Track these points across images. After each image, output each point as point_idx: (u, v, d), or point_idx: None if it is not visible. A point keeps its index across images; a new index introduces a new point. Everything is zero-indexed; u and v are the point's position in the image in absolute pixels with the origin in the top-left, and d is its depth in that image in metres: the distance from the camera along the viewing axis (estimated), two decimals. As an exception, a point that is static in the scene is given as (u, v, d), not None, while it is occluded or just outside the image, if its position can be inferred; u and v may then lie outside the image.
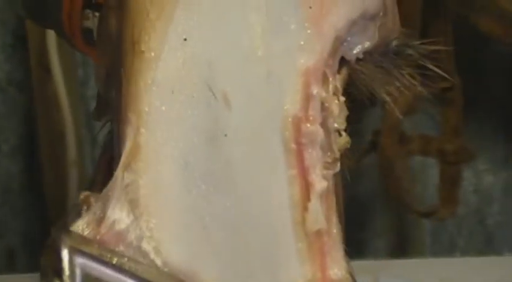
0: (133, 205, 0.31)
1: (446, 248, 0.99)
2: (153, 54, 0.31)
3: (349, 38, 0.34)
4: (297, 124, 0.33)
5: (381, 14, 0.35)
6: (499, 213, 0.99)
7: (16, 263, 0.96)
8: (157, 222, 0.31)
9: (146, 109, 0.31)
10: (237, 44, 0.32)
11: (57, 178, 0.93)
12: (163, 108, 0.31)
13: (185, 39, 0.32)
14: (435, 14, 0.79)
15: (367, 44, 0.34)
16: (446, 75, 0.83)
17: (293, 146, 0.32)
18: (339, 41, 0.33)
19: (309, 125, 0.32)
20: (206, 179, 0.31)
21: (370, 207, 0.95)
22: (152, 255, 0.31)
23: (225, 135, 0.31)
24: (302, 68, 0.32)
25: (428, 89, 0.82)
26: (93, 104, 0.92)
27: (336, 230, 0.34)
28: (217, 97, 0.31)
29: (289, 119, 0.32)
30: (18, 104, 0.94)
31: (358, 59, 0.35)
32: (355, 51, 0.34)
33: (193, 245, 0.31)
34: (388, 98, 0.37)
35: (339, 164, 0.34)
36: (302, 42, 0.32)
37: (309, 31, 0.32)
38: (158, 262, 0.31)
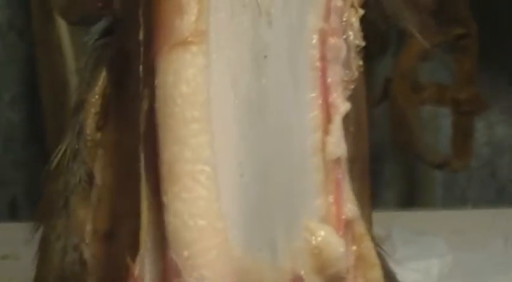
0: None
1: (457, 200, 0.98)
2: None
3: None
4: (323, 38, 0.30)
5: None
6: (510, 165, 0.98)
7: (18, 213, 0.95)
8: None
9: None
10: None
11: (60, 128, 0.91)
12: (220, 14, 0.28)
13: None
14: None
15: None
16: (461, 22, 0.82)
17: (318, 64, 0.30)
18: None
19: (333, 38, 0.30)
20: (247, 103, 0.29)
21: (380, 157, 0.93)
22: None
23: (265, 56, 0.29)
24: None
25: (443, 35, 0.80)
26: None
27: (346, 161, 0.31)
28: (261, 12, 0.28)
29: (314, 34, 0.30)
30: (19, 50, 0.92)
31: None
32: None
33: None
34: (409, 26, 0.35)
35: (353, 85, 0.31)
36: None
37: None
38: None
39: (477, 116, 0.88)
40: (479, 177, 0.98)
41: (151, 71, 0.29)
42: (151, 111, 0.29)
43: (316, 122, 0.29)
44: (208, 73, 0.28)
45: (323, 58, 0.30)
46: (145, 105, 0.30)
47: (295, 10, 0.29)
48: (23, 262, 0.76)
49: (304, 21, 0.29)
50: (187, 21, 0.28)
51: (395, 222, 0.77)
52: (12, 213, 0.94)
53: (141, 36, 0.30)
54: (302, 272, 0.29)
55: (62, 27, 0.88)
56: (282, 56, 0.29)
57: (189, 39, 0.28)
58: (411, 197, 0.97)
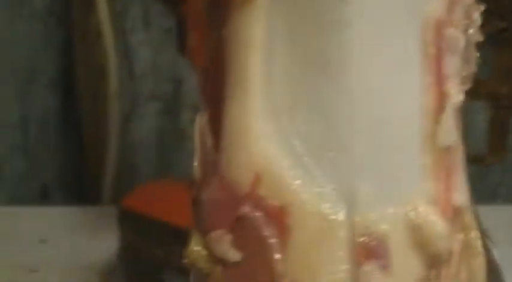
0: None
1: (487, 196, 0.97)
2: None
3: None
4: (440, 27, 0.30)
5: None
6: (543, 162, 0.98)
7: (51, 197, 0.95)
8: None
9: None
10: None
11: (97, 112, 0.92)
12: None
13: None
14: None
15: None
16: (502, 15, 0.81)
17: (432, 50, 0.30)
18: None
19: (452, 29, 0.30)
20: (316, 65, 0.29)
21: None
22: None
23: (347, 25, 0.29)
24: None
25: (483, 28, 0.80)
26: (131, 37, 0.91)
27: (462, 150, 0.32)
28: None
29: (432, 21, 0.30)
30: (57, 36, 0.92)
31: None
32: None
33: None
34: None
35: (471, 81, 0.32)
36: None
37: None
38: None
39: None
40: (511, 173, 0.97)
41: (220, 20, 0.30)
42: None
43: (427, 108, 0.30)
44: None
45: (438, 47, 0.30)
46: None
47: None
48: (60, 246, 0.77)
49: (421, 4, 0.29)
50: None
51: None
52: (45, 199, 0.95)
53: None
54: (388, 238, 0.29)
55: (103, 13, 0.88)
56: (379, 29, 0.29)
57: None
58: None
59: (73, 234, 0.80)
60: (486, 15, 0.85)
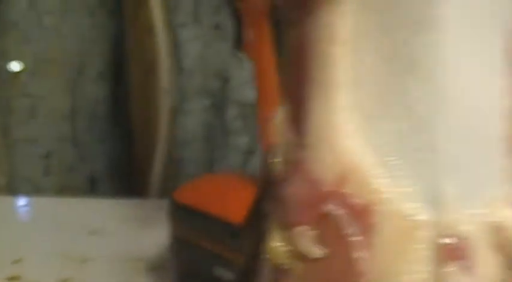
0: None
1: None
2: None
3: None
4: None
5: None
6: None
7: (98, 188, 0.96)
8: None
9: None
10: None
11: (147, 106, 0.92)
12: None
13: None
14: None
15: None
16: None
17: None
18: None
19: None
20: (404, 63, 0.29)
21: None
22: None
23: (435, 26, 0.29)
24: None
25: None
26: (181, 32, 0.91)
27: None
28: None
29: None
30: (107, 29, 0.93)
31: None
32: None
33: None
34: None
35: None
36: None
37: None
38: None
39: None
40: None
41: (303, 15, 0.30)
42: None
43: (508, 111, 0.30)
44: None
45: None
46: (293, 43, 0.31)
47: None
48: (110, 238, 0.78)
49: (507, 11, 0.30)
50: None
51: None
52: (92, 189, 0.96)
53: None
54: (471, 240, 0.29)
55: (156, 8, 0.88)
56: (468, 29, 0.29)
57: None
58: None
59: (122, 227, 0.80)
60: None
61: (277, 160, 0.31)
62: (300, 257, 0.31)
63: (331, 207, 0.30)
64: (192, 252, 0.65)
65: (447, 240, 0.29)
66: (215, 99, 0.93)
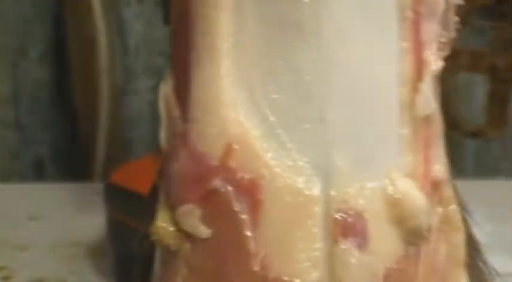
0: None
1: (489, 170, 0.96)
2: None
3: None
4: None
5: None
6: (545, 136, 0.96)
7: (44, 174, 0.94)
8: None
9: None
10: None
11: (88, 87, 0.90)
12: None
13: None
14: None
15: None
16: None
17: (410, 14, 0.28)
18: None
19: None
20: (290, 28, 0.27)
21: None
22: None
23: None
24: None
25: (480, 0, 0.79)
26: (124, 11, 0.89)
27: (440, 121, 0.30)
28: None
29: None
30: (47, 9, 0.91)
31: None
32: None
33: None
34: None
35: (450, 48, 0.30)
36: None
37: None
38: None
39: (513, 85, 0.86)
40: (512, 148, 0.97)
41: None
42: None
43: (405, 77, 0.28)
44: None
45: (416, 11, 0.28)
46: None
47: None
48: (50, 223, 0.76)
49: None
50: None
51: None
52: (38, 174, 0.94)
53: None
54: (366, 214, 0.27)
55: (91, -15, 0.86)
56: None
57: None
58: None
59: (63, 212, 0.79)
60: (484, -13, 0.83)
61: (163, 135, 0.30)
62: (187, 237, 0.29)
63: (217, 184, 0.28)
64: (126, 233, 0.64)
65: (340, 216, 0.28)
66: (161, 78, 0.91)
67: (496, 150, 0.96)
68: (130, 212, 0.64)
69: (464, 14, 0.80)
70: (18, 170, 0.94)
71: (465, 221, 0.32)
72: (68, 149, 0.94)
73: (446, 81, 0.89)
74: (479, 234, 0.70)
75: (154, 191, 0.33)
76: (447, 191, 0.30)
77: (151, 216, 0.63)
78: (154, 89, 0.97)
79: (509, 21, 0.83)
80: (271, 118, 0.28)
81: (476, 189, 0.82)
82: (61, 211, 0.79)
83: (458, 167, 1.02)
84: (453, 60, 0.92)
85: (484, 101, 0.87)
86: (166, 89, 0.30)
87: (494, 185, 0.87)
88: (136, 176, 0.66)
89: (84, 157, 0.91)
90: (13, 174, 0.94)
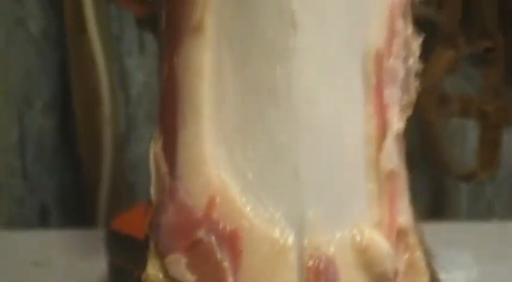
0: None
1: (483, 212, 0.98)
2: None
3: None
4: (380, 59, 0.31)
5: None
6: (537, 179, 0.98)
7: (48, 219, 0.96)
8: None
9: None
10: None
11: (92, 136, 0.93)
12: (225, 4, 0.30)
13: None
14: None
15: None
16: (489, 35, 0.82)
17: (373, 80, 0.31)
18: None
19: (391, 61, 0.31)
20: (264, 94, 0.30)
21: (407, 168, 0.94)
22: None
23: (291, 56, 0.30)
24: (388, 1, 0.31)
25: (470, 48, 0.81)
26: (127, 61, 0.92)
27: (404, 176, 0.33)
28: (283, 12, 0.29)
29: (372, 53, 0.31)
30: (52, 60, 0.94)
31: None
32: None
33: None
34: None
35: (411, 109, 0.33)
36: None
37: None
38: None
39: (505, 128, 0.88)
40: (506, 190, 0.98)
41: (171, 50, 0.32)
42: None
43: (370, 136, 0.31)
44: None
45: (379, 77, 0.31)
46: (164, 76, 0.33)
47: (351, 23, 0.30)
48: (54, 269, 0.78)
49: (358, 36, 0.31)
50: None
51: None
52: (43, 220, 0.96)
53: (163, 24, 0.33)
54: (337, 261, 0.30)
55: (95, 39, 0.89)
56: (321, 59, 0.30)
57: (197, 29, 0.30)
58: (437, 209, 0.98)
59: (66, 258, 0.81)
60: (473, 36, 0.86)
61: (153, 189, 0.32)
62: (175, 284, 0.32)
63: (201, 234, 0.31)
64: (127, 279, 0.65)
65: (313, 263, 0.30)
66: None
67: (490, 193, 0.98)
68: (130, 258, 0.66)
69: (455, 62, 0.83)
70: (23, 216, 0.95)
71: (430, 267, 0.34)
72: (72, 196, 0.96)
73: (437, 126, 0.91)
74: (470, 275, 0.72)
75: (147, 240, 0.36)
76: (412, 239, 0.33)
77: (144, 262, 0.66)
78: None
79: (496, 68, 0.86)
80: (250, 175, 0.31)
81: (470, 231, 0.84)
82: (65, 257, 0.80)
83: (452, 209, 1.04)
84: (445, 106, 0.95)
85: (476, 145, 0.89)
86: (155, 148, 0.33)
87: (488, 227, 0.88)
88: (135, 222, 0.68)
89: (88, 204, 0.93)
90: (18, 220, 0.96)
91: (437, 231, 0.81)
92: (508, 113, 0.86)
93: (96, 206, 0.92)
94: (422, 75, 0.83)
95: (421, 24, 0.37)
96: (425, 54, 0.81)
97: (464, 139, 0.97)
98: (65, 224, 0.95)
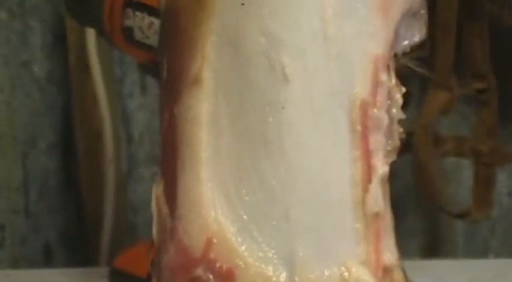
0: None
1: (479, 250, 0.99)
2: (215, 6, 0.33)
3: (400, 32, 0.35)
4: (365, 108, 0.34)
5: (423, 11, 0.36)
6: (532, 216, 0.99)
7: (53, 259, 0.97)
8: None
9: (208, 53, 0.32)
10: (303, 20, 0.33)
11: (94, 175, 0.94)
12: (222, 59, 0.32)
13: (243, 4, 0.33)
14: (471, 15, 0.79)
15: (416, 38, 0.35)
16: (481, 76, 0.84)
17: (359, 128, 0.33)
18: (395, 34, 0.34)
19: (376, 110, 0.34)
20: (257, 141, 0.32)
21: (402, 207, 0.95)
22: None
23: (283, 107, 0.32)
24: (372, 54, 0.33)
25: (463, 88, 0.83)
26: (129, 102, 0.94)
27: (390, 216, 0.35)
28: (274, 67, 0.32)
29: (358, 102, 0.33)
30: (56, 102, 0.95)
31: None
32: (405, 43, 0.35)
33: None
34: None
35: (396, 154, 0.35)
36: (371, 30, 0.33)
37: (377, 19, 0.33)
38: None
39: (498, 168, 0.89)
40: (501, 228, 0.99)
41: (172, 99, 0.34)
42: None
43: (356, 179, 0.33)
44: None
45: (364, 125, 0.33)
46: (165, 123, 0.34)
47: (338, 76, 0.33)
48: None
49: (344, 87, 0.33)
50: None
51: (417, 272, 0.78)
52: (47, 259, 0.97)
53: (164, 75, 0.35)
54: None
55: (98, 80, 0.91)
56: (310, 110, 0.33)
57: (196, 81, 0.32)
58: (433, 247, 0.99)
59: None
60: (466, 78, 0.88)
61: (155, 229, 0.34)
62: (176, 320, 0.34)
63: (199, 272, 0.33)
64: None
65: (304, 299, 0.32)
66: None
67: (485, 230, 0.99)
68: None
69: (449, 103, 0.84)
70: (27, 255, 0.96)
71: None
72: (75, 235, 0.97)
73: (432, 166, 0.93)
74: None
75: (149, 278, 0.38)
76: (397, 275, 0.35)
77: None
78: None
79: (489, 108, 0.87)
80: (245, 217, 0.33)
81: (467, 268, 0.85)
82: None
83: (449, 247, 1.05)
84: (439, 146, 0.96)
85: (470, 183, 0.90)
86: (157, 190, 0.35)
87: (484, 264, 0.89)
88: (137, 260, 0.69)
89: (90, 242, 0.95)
90: (22, 260, 0.97)
91: (434, 268, 0.83)
92: (501, 153, 0.88)
93: (98, 245, 0.93)
94: (416, 116, 0.85)
95: (414, 66, 0.39)
96: (420, 96, 0.82)
97: (459, 178, 0.98)
98: (67, 263, 0.96)
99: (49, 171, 0.97)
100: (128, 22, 0.64)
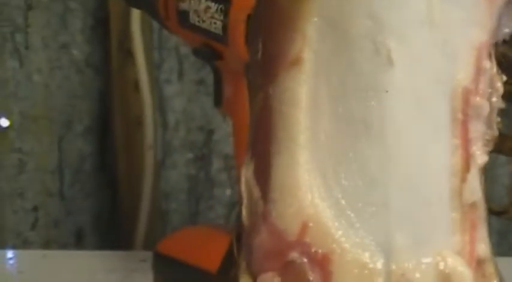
0: None
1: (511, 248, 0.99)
2: None
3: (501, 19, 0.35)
4: (467, 96, 0.34)
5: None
6: None
7: (84, 242, 0.97)
8: None
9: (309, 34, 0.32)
10: (411, 5, 0.33)
11: (132, 161, 0.94)
12: (323, 41, 0.32)
13: None
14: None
15: None
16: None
17: (460, 116, 0.33)
18: (498, 21, 0.34)
19: (478, 98, 0.33)
20: (358, 125, 0.32)
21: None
22: None
23: (386, 91, 0.32)
24: (477, 41, 0.33)
25: (506, 84, 0.82)
26: (166, 88, 0.93)
27: (484, 207, 0.35)
28: (379, 50, 0.32)
29: (460, 90, 0.33)
30: (94, 86, 0.95)
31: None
32: (506, 31, 0.35)
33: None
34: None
35: (493, 144, 0.35)
36: (477, 16, 0.33)
37: (482, 7, 0.33)
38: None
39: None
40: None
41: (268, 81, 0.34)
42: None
43: (455, 168, 0.33)
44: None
45: (465, 113, 0.33)
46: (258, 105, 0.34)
47: (442, 61, 0.32)
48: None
49: (447, 74, 0.32)
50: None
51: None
52: (78, 243, 0.97)
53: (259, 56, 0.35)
54: None
55: (141, 65, 0.91)
56: (412, 96, 0.32)
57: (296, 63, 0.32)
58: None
59: (107, 279, 0.82)
60: (509, 72, 0.87)
61: (244, 212, 0.34)
62: (267, 302, 0.33)
63: (294, 256, 0.33)
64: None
65: (399, 287, 0.32)
66: (199, 152, 0.95)
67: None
68: (176, 280, 0.67)
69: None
70: (59, 238, 0.97)
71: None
72: (108, 219, 0.97)
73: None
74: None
75: (224, 266, 0.38)
76: (490, 268, 0.35)
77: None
78: (192, 163, 1.00)
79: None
80: (342, 201, 0.33)
81: (500, 267, 0.85)
82: (105, 278, 0.81)
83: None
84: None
85: (507, 181, 0.90)
86: (247, 172, 0.34)
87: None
88: (182, 245, 0.70)
89: (124, 227, 0.95)
90: (54, 242, 0.97)
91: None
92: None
93: (133, 229, 0.93)
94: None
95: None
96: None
97: (495, 175, 0.98)
98: (99, 246, 0.96)
99: (84, 155, 0.97)
100: (183, 6, 0.64)
